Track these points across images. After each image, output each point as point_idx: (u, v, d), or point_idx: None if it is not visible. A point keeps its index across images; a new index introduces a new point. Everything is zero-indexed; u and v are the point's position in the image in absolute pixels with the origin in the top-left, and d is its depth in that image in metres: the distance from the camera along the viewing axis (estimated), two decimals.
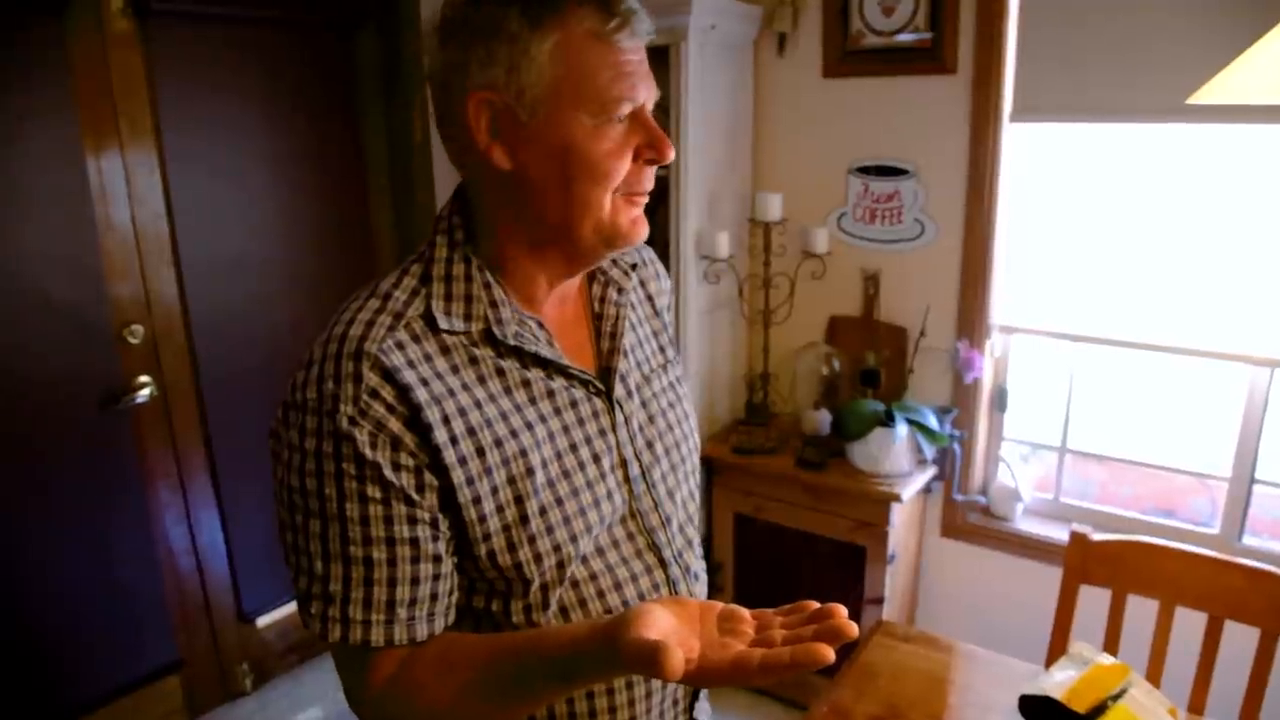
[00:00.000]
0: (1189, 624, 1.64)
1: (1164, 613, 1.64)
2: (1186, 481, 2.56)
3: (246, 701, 2.79)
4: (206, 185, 2.44)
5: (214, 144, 2.45)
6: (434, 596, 0.85)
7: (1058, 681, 1.39)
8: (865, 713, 1.46)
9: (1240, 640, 1.60)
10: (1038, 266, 2.49)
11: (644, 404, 1.01)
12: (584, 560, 0.92)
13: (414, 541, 0.83)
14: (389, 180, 2.94)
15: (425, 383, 0.83)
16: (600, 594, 0.93)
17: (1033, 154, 2.42)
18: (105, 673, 2.41)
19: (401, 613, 0.83)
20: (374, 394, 0.81)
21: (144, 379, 2.38)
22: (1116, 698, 1.34)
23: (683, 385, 1.10)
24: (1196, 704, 1.60)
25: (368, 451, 0.80)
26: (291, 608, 2.90)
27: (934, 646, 1.66)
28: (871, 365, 2.56)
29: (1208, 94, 1.05)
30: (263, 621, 2.83)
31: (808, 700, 1.51)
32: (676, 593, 1.01)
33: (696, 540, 1.09)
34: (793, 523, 2.57)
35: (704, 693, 1.11)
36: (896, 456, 2.43)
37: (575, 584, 0.92)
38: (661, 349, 1.08)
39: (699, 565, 1.08)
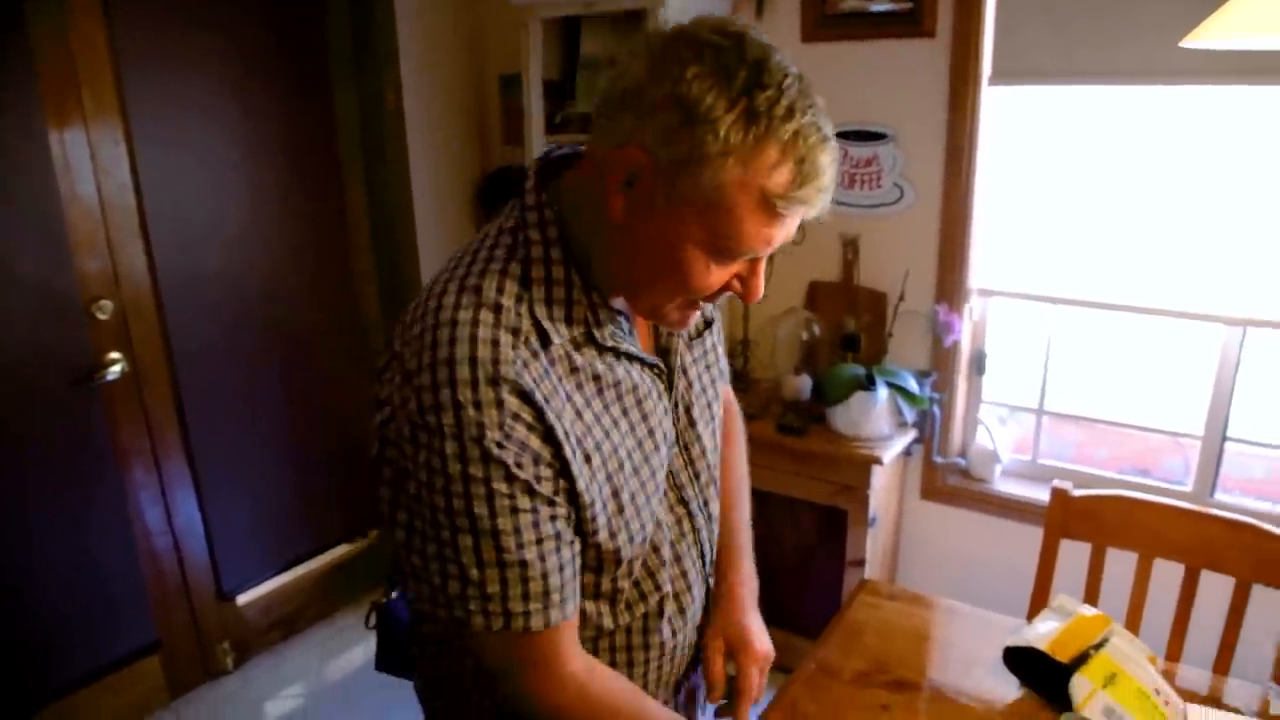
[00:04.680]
0: (1167, 575, 1.67)
1: (1143, 564, 1.67)
2: (1161, 441, 2.60)
3: (229, 680, 2.77)
4: (175, 157, 2.39)
5: (181, 115, 2.39)
6: (575, 575, 0.94)
7: (1041, 633, 1.41)
8: (852, 669, 1.46)
9: (1216, 590, 1.63)
10: (1016, 229, 2.50)
11: (684, 370, 1.06)
12: None
13: (557, 535, 0.90)
14: (362, 148, 2.90)
15: (548, 399, 0.87)
16: (656, 549, 1.04)
17: (1011, 117, 2.42)
18: (82, 655, 2.39)
19: (555, 596, 0.91)
20: (516, 417, 0.84)
21: (114, 355, 2.34)
22: (1098, 647, 1.35)
23: (719, 342, 1.17)
24: (1174, 651, 1.63)
25: (516, 471, 0.85)
26: (272, 584, 2.88)
27: (918, 604, 1.67)
28: (851, 330, 2.57)
29: (1206, 33, 1.03)
30: (243, 599, 2.81)
31: (793, 663, 1.52)
32: (699, 538, 1.10)
33: (717, 478, 1.16)
34: (774, 488, 2.58)
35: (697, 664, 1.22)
36: (877, 420, 2.44)
37: None
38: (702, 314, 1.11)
39: (717, 505, 1.17)
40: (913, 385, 2.47)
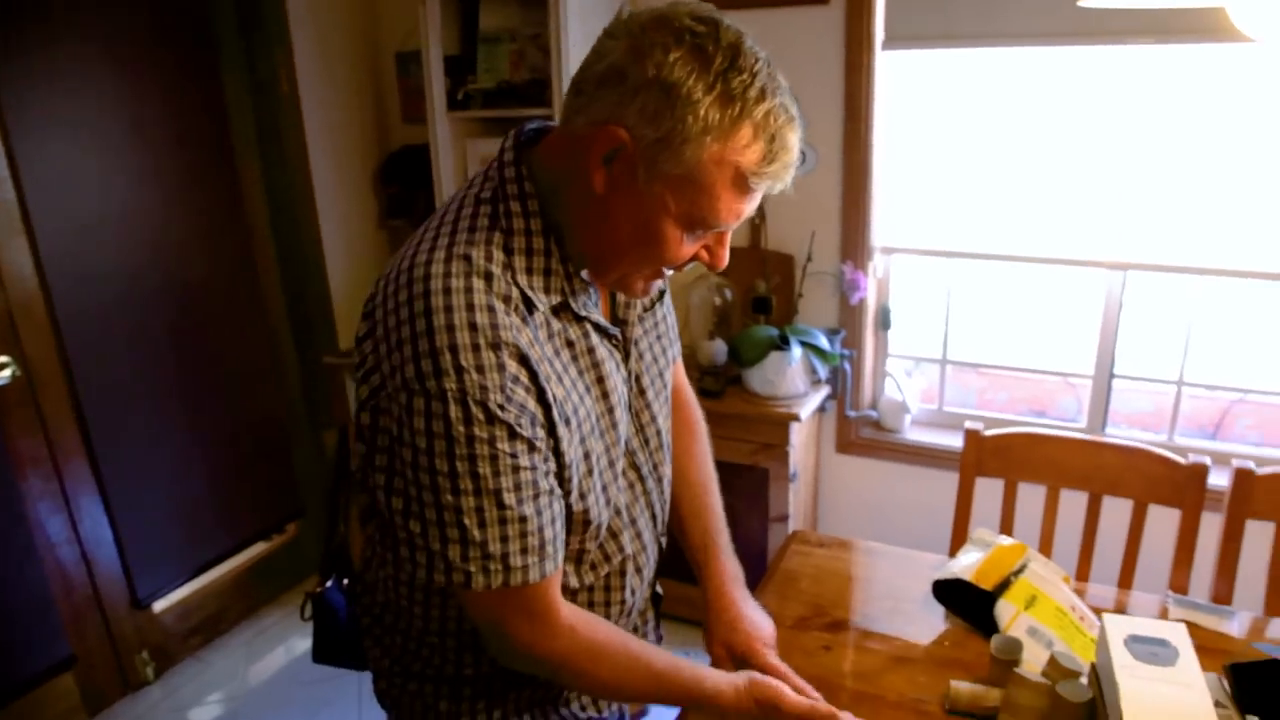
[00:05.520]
0: (1073, 503, 1.79)
1: (1051, 495, 1.78)
2: (1055, 383, 2.77)
3: (150, 691, 2.68)
4: (56, 147, 2.25)
5: (60, 102, 2.25)
6: (563, 528, 0.98)
7: (965, 565, 1.49)
8: (792, 615, 1.52)
9: (1117, 513, 1.76)
10: (914, 188, 2.60)
11: (636, 342, 1.10)
12: None
13: (551, 490, 0.94)
14: (256, 131, 2.80)
15: (539, 362, 0.91)
16: (616, 513, 1.08)
17: (905, 80, 2.51)
18: None
19: (549, 549, 0.94)
20: (515, 379, 0.88)
21: (2, 359, 2.20)
22: (1018, 573, 1.44)
23: (669, 313, 1.21)
24: (1083, 572, 1.75)
25: (518, 429, 0.89)
26: (189, 589, 2.79)
27: (846, 549, 1.74)
28: (762, 293, 2.63)
29: None
30: (159, 606, 2.71)
31: None
32: (650, 500, 1.14)
33: (668, 443, 1.19)
34: None
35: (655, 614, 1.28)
36: (792, 378, 2.51)
37: None
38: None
39: (668, 469, 1.20)
40: (824, 343, 2.55)
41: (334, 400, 3.07)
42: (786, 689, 1.07)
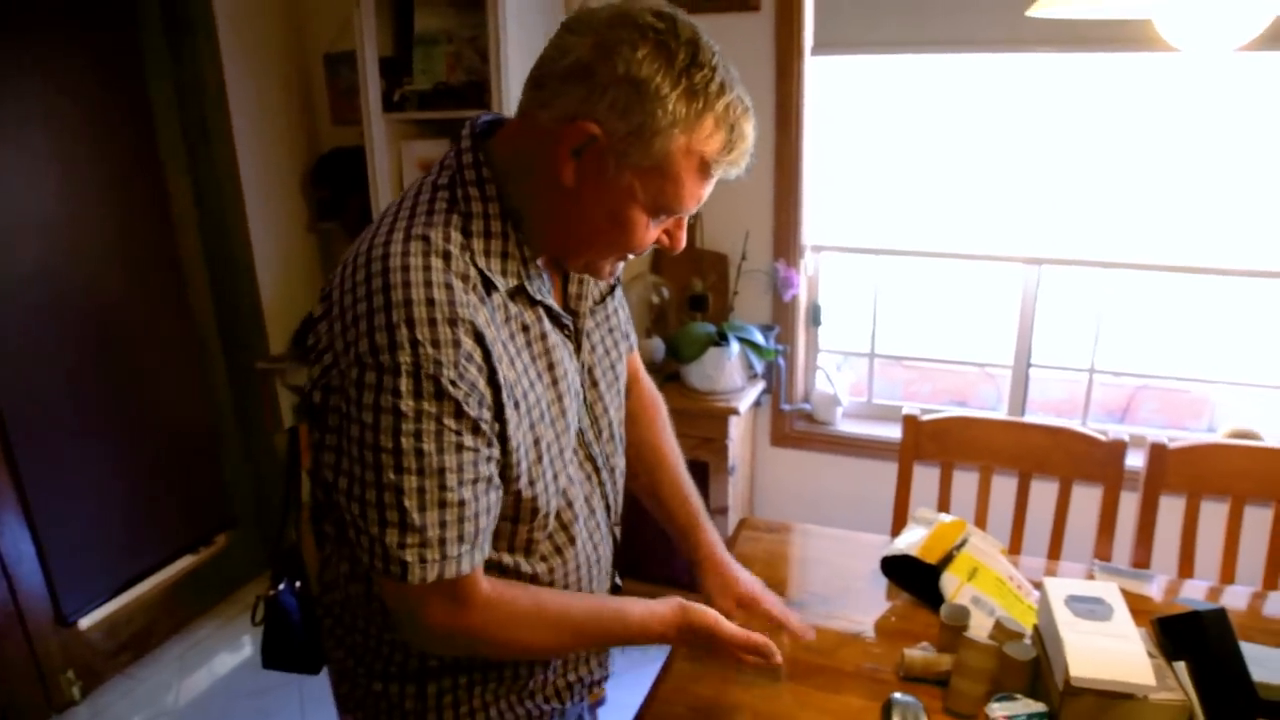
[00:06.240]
0: (1003, 485, 1.90)
1: (984, 475, 1.89)
2: (975, 374, 2.91)
3: (77, 712, 2.57)
4: None
5: None
6: (493, 523, 0.98)
7: (910, 541, 1.57)
8: None
9: (1045, 490, 1.88)
10: (842, 188, 2.70)
11: (588, 334, 1.12)
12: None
13: (489, 478, 0.95)
14: (182, 133, 2.73)
15: (494, 343, 0.92)
16: (570, 503, 1.08)
17: (834, 84, 2.61)
18: None
19: (481, 539, 0.95)
20: (469, 357, 0.89)
21: None
22: (960, 547, 1.53)
23: (621, 305, 1.23)
24: (1015, 545, 1.86)
25: (466, 408, 0.90)
26: (117, 604, 2.69)
27: (795, 533, 1.81)
28: (699, 291, 2.70)
29: (1048, 6, 1.18)
30: (86, 623, 2.61)
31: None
32: (605, 491, 1.15)
33: (620, 435, 1.21)
34: None
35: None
36: (730, 373, 2.58)
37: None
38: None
39: (621, 460, 1.22)
40: (760, 339, 2.63)
41: (266, 406, 3.00)
42: (721, 617, 1.13)
